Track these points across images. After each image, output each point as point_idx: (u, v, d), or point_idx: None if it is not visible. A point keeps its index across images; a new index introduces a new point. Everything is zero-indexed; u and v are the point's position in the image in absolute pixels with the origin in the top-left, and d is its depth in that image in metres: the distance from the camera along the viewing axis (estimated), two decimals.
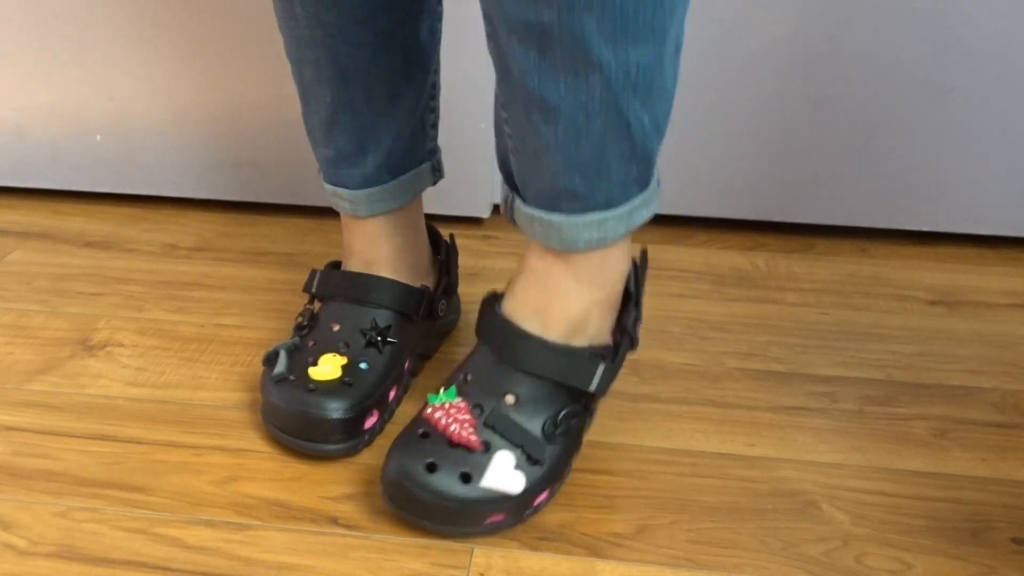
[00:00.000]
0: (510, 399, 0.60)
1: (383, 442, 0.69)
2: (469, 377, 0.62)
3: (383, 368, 0.69)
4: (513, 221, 0.62)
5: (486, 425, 0.59)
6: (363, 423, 0.67)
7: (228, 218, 1.07)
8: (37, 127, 1.06)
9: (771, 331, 0.85)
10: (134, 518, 0.61)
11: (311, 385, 0.66)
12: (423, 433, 0.60)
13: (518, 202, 0.61)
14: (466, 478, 0.58)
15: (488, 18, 0.54)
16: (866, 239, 1.05)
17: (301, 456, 0.67)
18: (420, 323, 0.74)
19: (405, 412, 0.72)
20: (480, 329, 0.64)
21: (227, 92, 1.01)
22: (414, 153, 0.74)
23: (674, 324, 0.85)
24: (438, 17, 0.71)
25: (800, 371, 0.79)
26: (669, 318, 0.86)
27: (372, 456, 0.67)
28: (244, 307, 0.87)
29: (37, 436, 0.69)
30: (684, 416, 0.73)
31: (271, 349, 0.70)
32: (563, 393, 0.61)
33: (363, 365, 0.68)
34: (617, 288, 0.63)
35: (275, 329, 0.83)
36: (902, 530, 0.62)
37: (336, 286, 0.73)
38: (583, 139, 0.54)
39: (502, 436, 0.59)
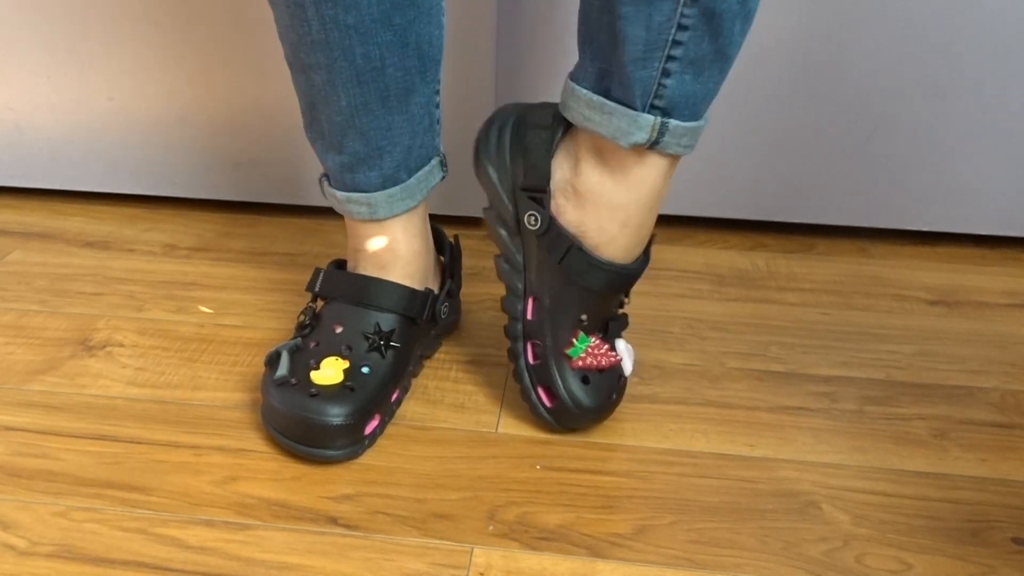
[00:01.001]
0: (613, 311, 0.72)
1: (384, 443, 0.69)
2: (585, 318, 0.69)
3: (385, 372, 0.69)
4: (655, 148, 0.63)
5: (609, 340, 0.71)
6: (364, 428, 0.67)
7: (228, 218, 1.07)
8: (37, 127, 1.06)
9: (771, 331, 0.85)
10: (134, 518, 0.61)
11: (312, 390, 0.66)
12: (584, 379, 0.69)
13: (672, 124, 0.62)
14: (619, 378, 0.72)
15: None
16: (866, 239, 1.05)
17: (301, 456, 0.67)
18: (423, 326, 0.74)
19: (405, 412, 0.72)
20: (583, 276, 0.68)
21: (227, 92, 1.01)
22: (426, 149, 0.73)
23: (674, 324, 0.85)
24: (443, 11, 0.71)
25: (800, 371, 0.79)
26: (669, 318, 0.86)
27: (373, 457, 0.67)
28: (244, 307, 0.87)
29: (37, 436, 0.69)
30: (684, 416, 0.73)
31: (273, 350, 0.70)
32: None
33: (365, 369, 0.68)
34: None
35: (275, 329, 0.83)
36: (902, 530, 0.62)
37: (339, 288, 0.73)
38: (741, 36, 0.61)
39: (615, 336, 0.72)
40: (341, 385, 0.66)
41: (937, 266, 0.99)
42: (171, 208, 1.09)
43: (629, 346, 0.72)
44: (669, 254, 1.00)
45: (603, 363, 0.70)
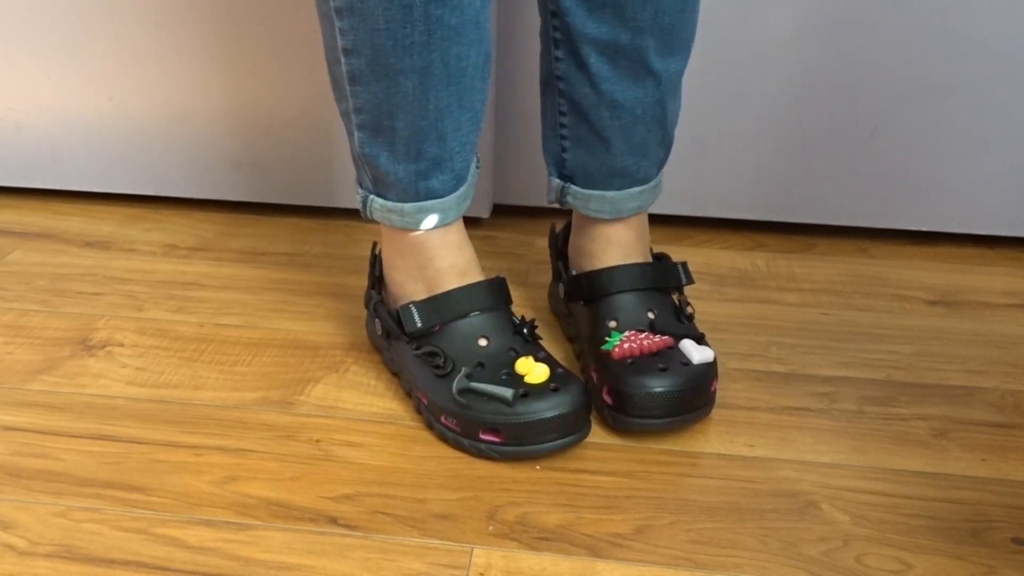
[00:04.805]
0: (651, 314, 0.74)
1: (384, 443, 0.69)
2: (612, 324, 0.74)
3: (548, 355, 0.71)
4: (562, 205, 0.80)
5: (658, 332, 0.72)
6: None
7: (228, 218, 1.07)
8: (37, 127, 1.06)
9: (771, 331, 0.85)
10: (134, 518, 0.61)
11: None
12: (631, 363, 0.69)
13: (572, 188, 0.78)
14: (685, 362, 0.69)
15: (568, 37, 0.71)
16: (866, 239, 1.05)
17: (301, 456, 0.67)
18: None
19: (405, 411, 0.72)
20: (591, 292, 0.77)
21: (227, 92, 1.01)
22: (474, 144, 0.74)
23: None
24: None
25: (800, 371, 0.79)
26: None
27: (373, 456, 0.67)
28: (244, 307, 0.87)
29: (37, 436, 0.69)
30: None
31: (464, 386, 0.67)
32: (664, 294, 0.77)
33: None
34: (646, 223, 0.81)
35: (275, 329, 0.83)
36: (902, 530, 0.62)
37: (465, 303, 0.71)
38: (638, 127, 0.74)
39: (672, 334, 0.72)
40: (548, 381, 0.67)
41: (937, 266, 0.99)
42: (171, 208, 1.09)
43: (705, 348, 0.70)
44: (669, 254, 1.00)
45: (645, 345, 0.70)
